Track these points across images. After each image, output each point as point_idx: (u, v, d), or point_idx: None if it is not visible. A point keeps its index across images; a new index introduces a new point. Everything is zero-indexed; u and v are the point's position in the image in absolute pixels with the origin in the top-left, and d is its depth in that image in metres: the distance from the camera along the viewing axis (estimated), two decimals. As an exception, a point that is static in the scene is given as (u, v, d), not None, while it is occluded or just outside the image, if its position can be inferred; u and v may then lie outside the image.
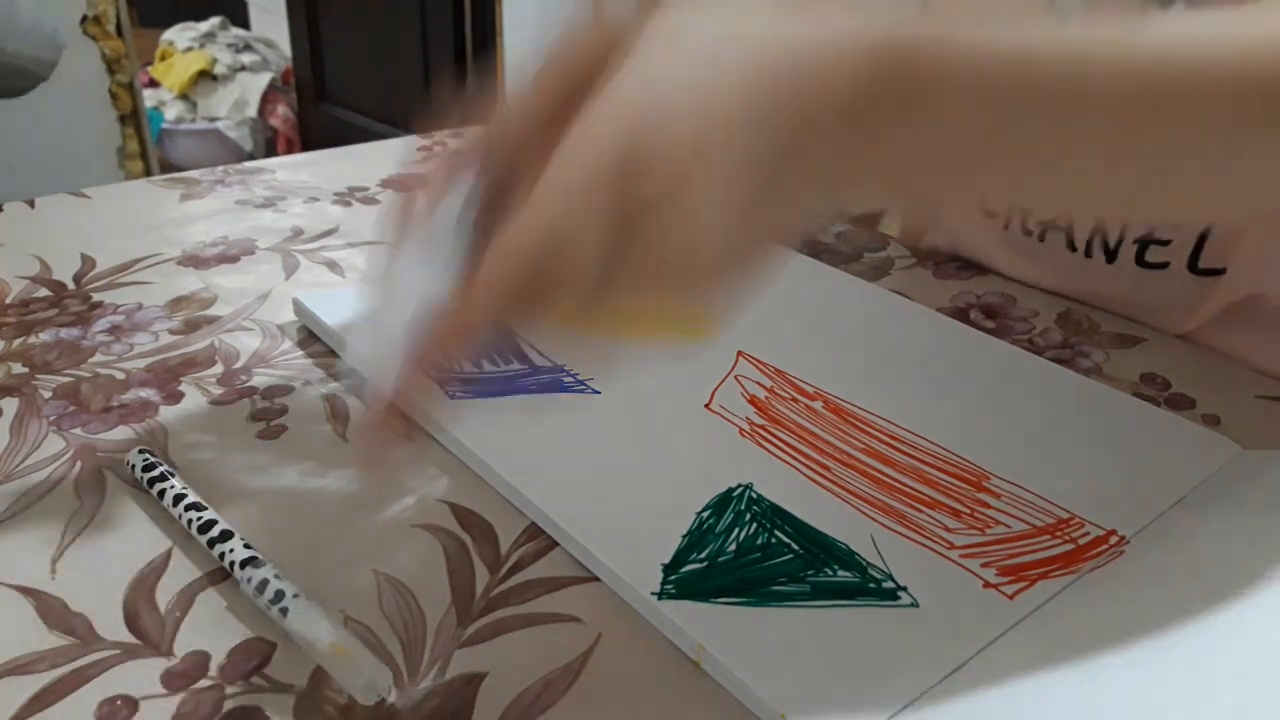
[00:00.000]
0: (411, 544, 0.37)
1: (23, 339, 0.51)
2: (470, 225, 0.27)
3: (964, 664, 0.32)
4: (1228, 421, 0.47)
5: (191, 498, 0.38)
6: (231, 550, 0.35)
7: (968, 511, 0.39)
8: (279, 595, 0.33)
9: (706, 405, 0.45)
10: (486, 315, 0.23)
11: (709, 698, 0.31)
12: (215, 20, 3.07)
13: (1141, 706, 0.31)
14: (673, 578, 0.35)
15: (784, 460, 0.42)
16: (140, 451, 0.40)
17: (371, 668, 0.31)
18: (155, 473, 0.39)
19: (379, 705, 0.30)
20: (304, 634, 0.32)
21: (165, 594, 0.35)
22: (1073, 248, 0.56)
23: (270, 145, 2.94)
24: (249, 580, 0.34)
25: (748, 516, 0.38)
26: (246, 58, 2.99)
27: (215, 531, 0.36)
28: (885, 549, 0.37)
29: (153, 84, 2.97)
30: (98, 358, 0.50)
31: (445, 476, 0.41)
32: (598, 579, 0.36)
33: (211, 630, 0.33)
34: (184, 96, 2.95)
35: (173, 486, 0.38)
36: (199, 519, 0.37)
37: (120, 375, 0.48)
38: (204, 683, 0.31)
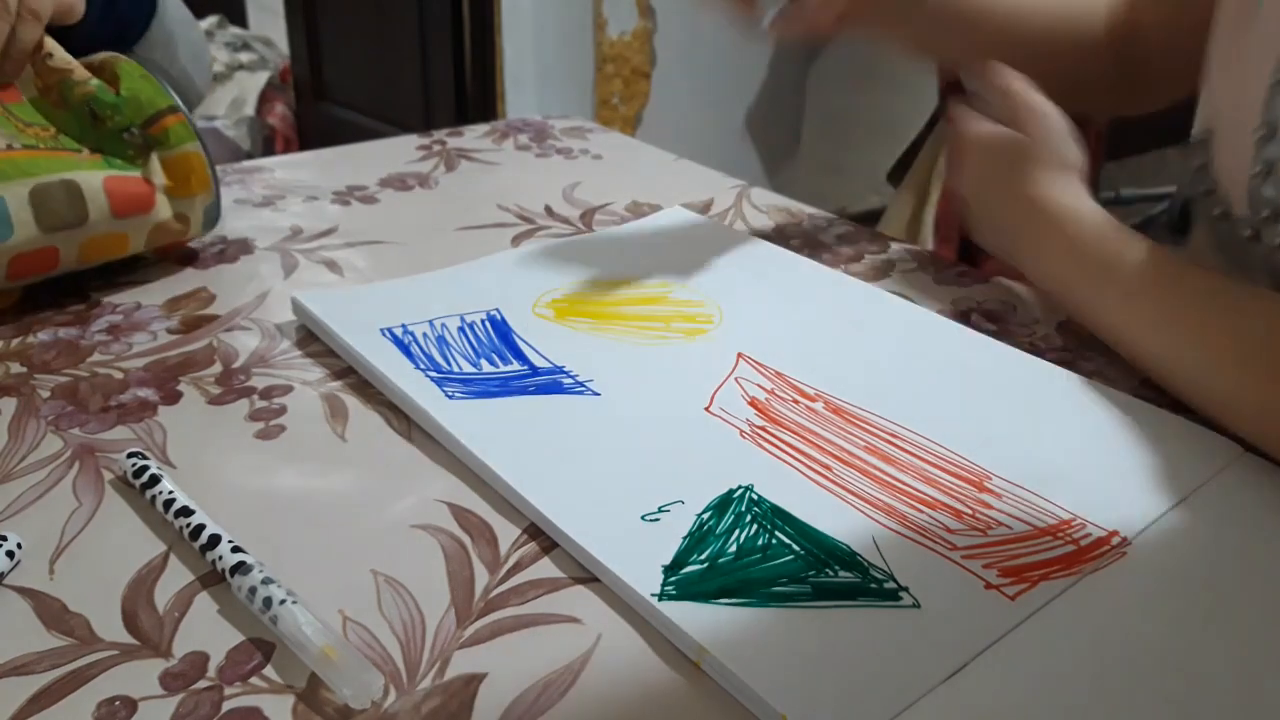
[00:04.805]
0: (411, 544, 0.37)
1: (21, 338, 0.51)
2: None
3: (965, 665, 0.32)
4: (1228, 423, 0.47)
5: (181, 502, 0.37)
6: (220, 557, 0.35)
7: (969, 512, 0.39)
8: (268, 602, 0.33)
9: (706, 408, 0.45)
10: None
11: (709, 699, 0.31)
12: (213, 19, 3.06)
13: (1143, 708, 0.31)
14: (673, 579, 0.35)
15: (785, 461, 0.42)
16: (130, 455, 0.40)
17: (363, 672, 0.30)
18: (146, 477, 0.39)
19: (374, 708, 0.30)
20: (294, 639, 0.32)
21: (164, 594, 0.35)
22: None
23: (268, 144, 2.94)
24: (239, 589, 0.34)
25: (748, 518, 0.38)
26: (244, 56, 2.99)
27: (205, 537, 0.36)
28: (887, 550, 0.37)
29: (150, 82, 2.96)
30: (96, 357, 0.49)
31: (445, 476, 0.41)
32: (598, 579, 0.36)
33: (210, 631, 0.33)
34: (182, 95, 2.94)
35: (162, 491, 0.38)
36: (188, 525, 0.36)
37: (119, 375, 0.48)
38: (203, 683, 0.31)
